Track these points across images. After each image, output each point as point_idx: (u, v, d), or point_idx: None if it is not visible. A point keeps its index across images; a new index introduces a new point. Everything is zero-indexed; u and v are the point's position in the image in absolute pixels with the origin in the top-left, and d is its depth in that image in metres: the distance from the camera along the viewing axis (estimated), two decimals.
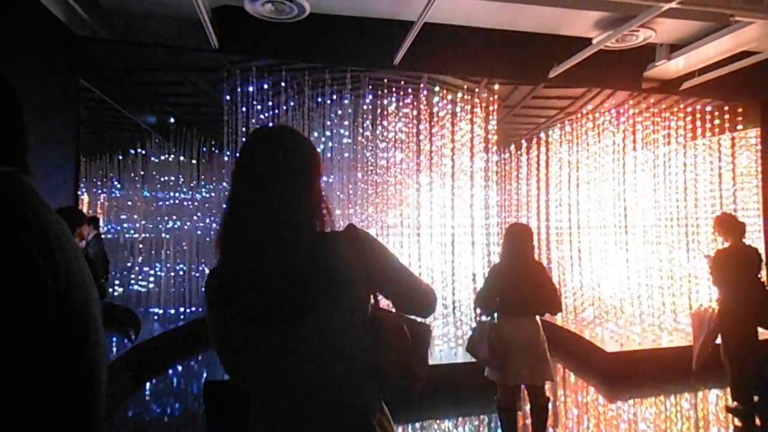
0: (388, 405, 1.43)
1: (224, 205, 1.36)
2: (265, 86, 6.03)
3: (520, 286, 3.75)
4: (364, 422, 1.33)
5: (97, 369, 0.78)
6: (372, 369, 1.36)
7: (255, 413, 1.37)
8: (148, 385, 6.16)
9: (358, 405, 1.34)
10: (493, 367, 3.72)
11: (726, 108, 6.91)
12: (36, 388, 0.70)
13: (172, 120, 7.97)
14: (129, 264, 8.58)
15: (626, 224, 7.24)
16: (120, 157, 8.86)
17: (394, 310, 1.46)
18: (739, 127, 6.98)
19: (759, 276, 4.82)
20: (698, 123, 7.06)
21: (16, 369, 0.68)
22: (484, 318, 4.00)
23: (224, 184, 8.43)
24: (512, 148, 9.26)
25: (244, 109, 5.97)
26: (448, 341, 6.23)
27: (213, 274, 1.35)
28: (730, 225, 4.90)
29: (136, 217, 8.62)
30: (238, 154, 1.41)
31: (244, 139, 5.93)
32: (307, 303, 1.27)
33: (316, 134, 6.44)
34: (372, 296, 1.43)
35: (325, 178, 6.48)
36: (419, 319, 1.48)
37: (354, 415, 1.33)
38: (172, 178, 8.58)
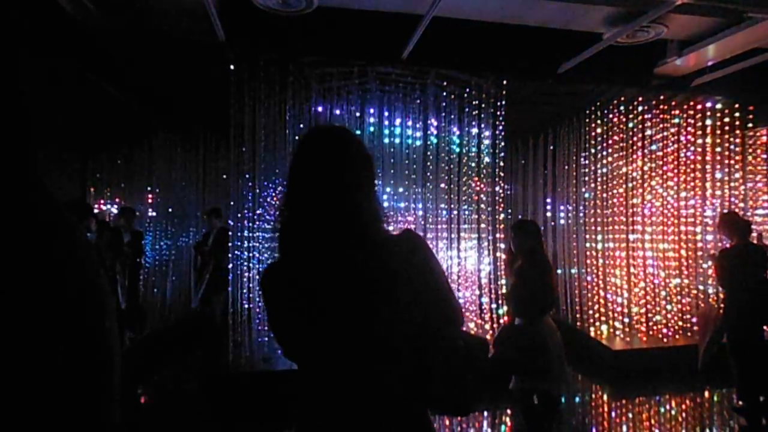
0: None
1: (283, 200, 1.38)
2: (272, 80, 6.00)
3: (551, 284, 3.60)
4: (407, 426, 1.33)
5: (113, 357, 0.78)
6: (420, 380, 1.32)
7: (303, 396, 1.37)
8: (151, 378, 6.19)
9: (403, 405, 1.32)
10: (532, 374, 3.43)
11: (737, 105, 6.83)
12: (48, 389, 0.70)
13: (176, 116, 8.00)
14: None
15: (633, 221, 7.18)
16: (126, 151, 8.86)
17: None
18: (750, 125, 6.90)
19: (765, 275, 4.77)
20: (708, 120, 6.99)
21: (32, 367, 0.68)
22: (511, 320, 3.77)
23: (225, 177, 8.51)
24: (519, 143, 9.20)
25: (250, 102, 5.95)
26: None
27: (272, 268, 1.40)
28: (734, 223, 4.87)
29: (141, 209, 8.62)
30: (297, 150, 1.40)
31: (247, 133, 5.94)
32: (365, 305, 1.28)
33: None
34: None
35: None
36: (474, 333, 1.46)
37: (398, 419, 1.32)
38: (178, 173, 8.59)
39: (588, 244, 7.66)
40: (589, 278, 7.59)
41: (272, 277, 1.38)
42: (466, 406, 1.36)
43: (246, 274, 6.04)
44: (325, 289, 1.29)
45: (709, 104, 6.96)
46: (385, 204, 6.60)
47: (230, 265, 5.97)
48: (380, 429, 1.30)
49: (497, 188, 6.70)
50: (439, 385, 1.31)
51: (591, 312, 7.33)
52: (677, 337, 6.75)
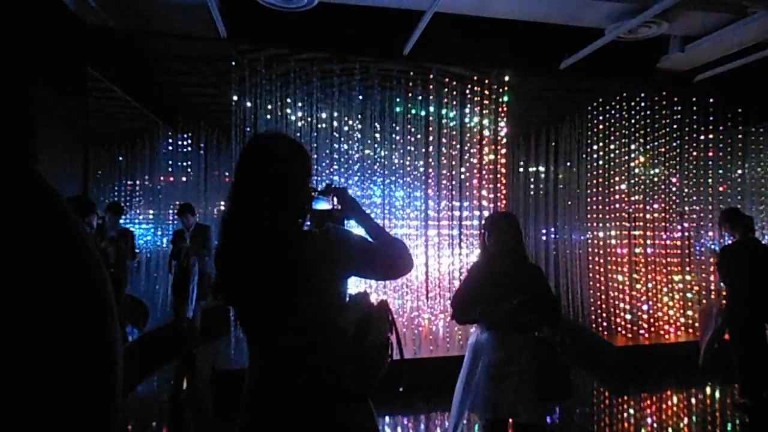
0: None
1: (227, 194, 1.60)
2: (273, 76, 5.99)
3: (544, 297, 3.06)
4: (327, 408, 1.47)
5: (115, 352, 0.78)
6: (332, 360, 1.48)
7: (248, 368, 1.58)
8: (154, 374, 6.20)
9: (320, 390, 1.47)
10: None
11: (739, 101, 6.81)
12: (56, 370, 0.70)
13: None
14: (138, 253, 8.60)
15: (635, 218, 7.17)
16: (128, 147, 8.86)
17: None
18: (752, 121, 6.88)
19: (766, 271, 4.76)
20: (711, 117, 6.97)
21: (40, 348, 0.68)
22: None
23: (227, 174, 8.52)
24: (521, 139, 9.18)
25: (252, 99, 5.94)
26: (457, 336, 6.21)
27: (215, 253, 1.62)
28: (736, 219, 4.86)
29: (143, 204, 8.64)
30: (240, 153, 1.62)
31: (249, 129, 5.95)
32: (275, 293, 1.46)
33: (321, 125, 6.41)
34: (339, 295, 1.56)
35: (331, 171, 6.46)
36: (379, 330, 1.55)
37: (318, 400, 1.47)
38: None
39: (590, 240, 7.65)
40: (590, 274, 7.58)
41: (214, 262, 1.62)
42: (357, 392, 1.50)
43: None
44: (239, 275, 1.52)
45: (711, 99, 6.93)
46: (386, 201, 6.60)
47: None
48: (294, 407, 1.46)
49: (498, 184, 6.68)
50: (331, 373, 1.46)
51: (593, 308, 7.33)
52: (679, 333, 6.75)
